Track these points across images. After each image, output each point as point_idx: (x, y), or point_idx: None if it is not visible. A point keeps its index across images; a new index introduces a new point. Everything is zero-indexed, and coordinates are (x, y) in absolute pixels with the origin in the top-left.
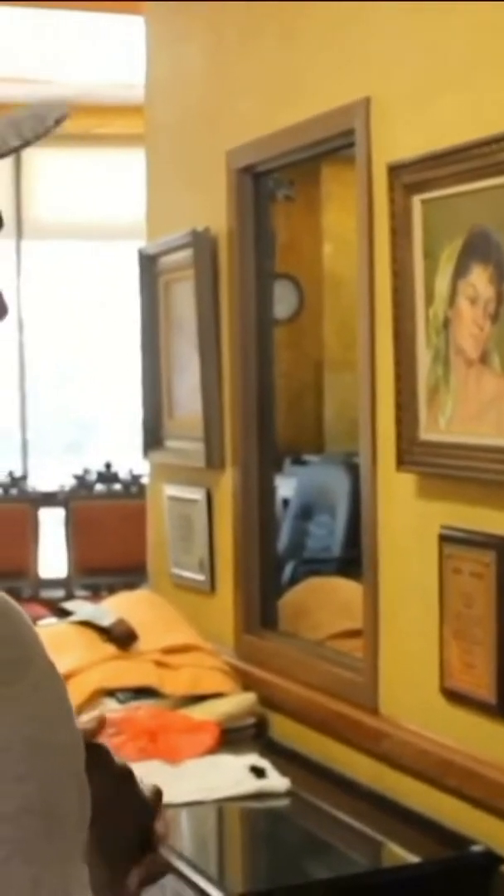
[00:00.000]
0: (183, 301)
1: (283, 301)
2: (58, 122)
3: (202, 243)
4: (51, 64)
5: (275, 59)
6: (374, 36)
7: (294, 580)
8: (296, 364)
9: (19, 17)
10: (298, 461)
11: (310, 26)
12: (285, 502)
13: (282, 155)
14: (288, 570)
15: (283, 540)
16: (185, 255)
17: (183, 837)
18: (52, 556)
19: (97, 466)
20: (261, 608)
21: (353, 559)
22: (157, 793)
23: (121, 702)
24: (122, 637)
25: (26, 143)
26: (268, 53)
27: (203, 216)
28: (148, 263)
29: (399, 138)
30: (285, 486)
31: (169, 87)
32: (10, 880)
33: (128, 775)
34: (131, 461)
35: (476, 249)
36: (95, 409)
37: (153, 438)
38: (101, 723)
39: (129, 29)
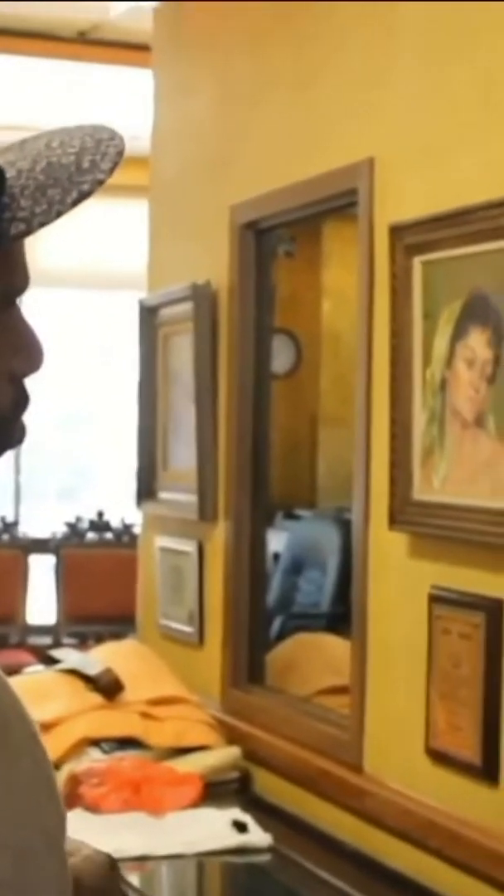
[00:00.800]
0: (181, 353)
1: (281, 356)
2: (119, 153)
3: (202, 297)
4: (59, 113)
5: (281, 116)
6: (380, 96)
7: (282, 635)
8: (291, 418)
9: (30, 66)
10: (290, 515)
11: (317, 84)
12: (276, 556)
13: (285, 212)
14: (276, 624)
15: (272, 594)
16: (185, 307)
17: (163, 891)
18: (41, 603)
19: (89, 514)
20: (248, 662)
21: (342, 615)
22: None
23: (105, 752)
24: (108, 687)
25: (99, 183)
26: (275, 110)
27: (204, 270)
28: (147, 315)
29: (402, 199)
30: (276, 540)
31: (175, 140)
32: None
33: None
34: (124, 510)
35: (475, 312)
36: (90, 457)
37: (147, 489)
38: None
39: (137, 80)
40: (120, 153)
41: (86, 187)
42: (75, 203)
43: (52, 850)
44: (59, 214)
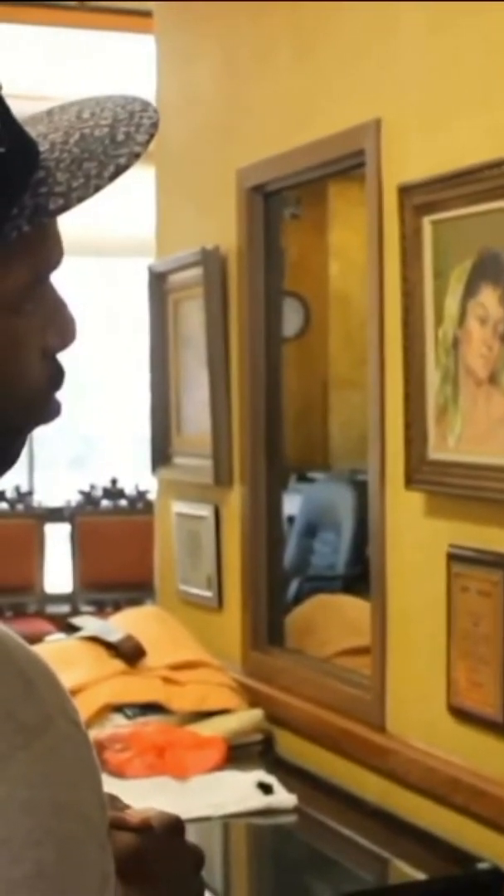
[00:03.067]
0: (192, 318)
1: (289, 319)
2: (154, 125)
3: (212, 261)
4: (60, 81)
5: (286, 79)
6: (385, 57)
7: (299, 597)
8: (301, 381)
9: (29, 34)
10: (303, 478)
11: (322, 46)
12: (290, 519)
13: (292, 175)
14: (293, 587)
15: (287, 557)
16: (195, 273)
17: None
18: (58, 572)
19: (102, 482)
20: (268, 625)
21: (358, 576)
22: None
23: (128, 717)
24: (129, 653)
25: (136, 156)
26: (279, 73)
27: (212, 234)
28: (157, 281)
29: (409, 159)
30: (290, 504)
31: (179, 106)
32: None
33: None
34: (137, 477)
35: (486, 270)
36: (100, 425)
37: (161, 455)
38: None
39: (140, 47)
40: (155, 125)
41: (122, 161)
42: (113, 177)
43: (94, 837)
44: (97, 189)
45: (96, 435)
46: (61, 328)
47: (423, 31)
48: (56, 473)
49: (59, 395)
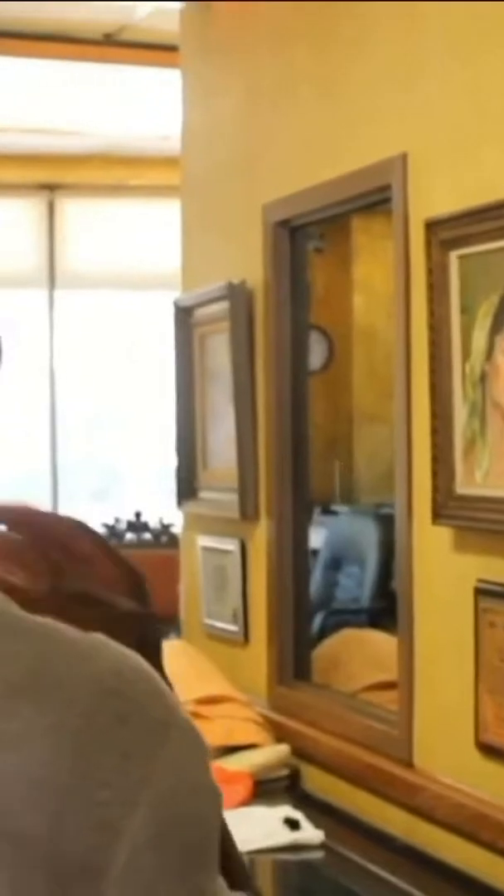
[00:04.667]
0: (218, 352)
1: (313, 352)
2: None
3: (238, 296)
4: (88, 115)
5: (312, 113)
6: (411, 91)
7: (323, 631)
8: (325, 415)
9: (58, 69)
10: (327, 511)
11: (347, 81)
12: (314, 553)
13: (318, 209)
14: (317, 621)
15: (311, 591)
16: (221, 307)
17: None
18: None
19: (126, 515)
20: (294, 659)
21: (383, 610)
22: None
23: None
24: None
25: None
26: (305, 107)
27: (238, 268)
28: (183, 315)
29: (436, 194)
30: (314, 537)
31: (205, 139)
32: None
33: None
34: (160, 510)
35: None
36: (123, 459)
37: (187, 489)
38: None
39: (166, 81)
40: None
41: None
42: None
43: (213, 834)
44: None
45: (119, 468)
46: None
47: (448, 64)
48: (79, 506)
49: None
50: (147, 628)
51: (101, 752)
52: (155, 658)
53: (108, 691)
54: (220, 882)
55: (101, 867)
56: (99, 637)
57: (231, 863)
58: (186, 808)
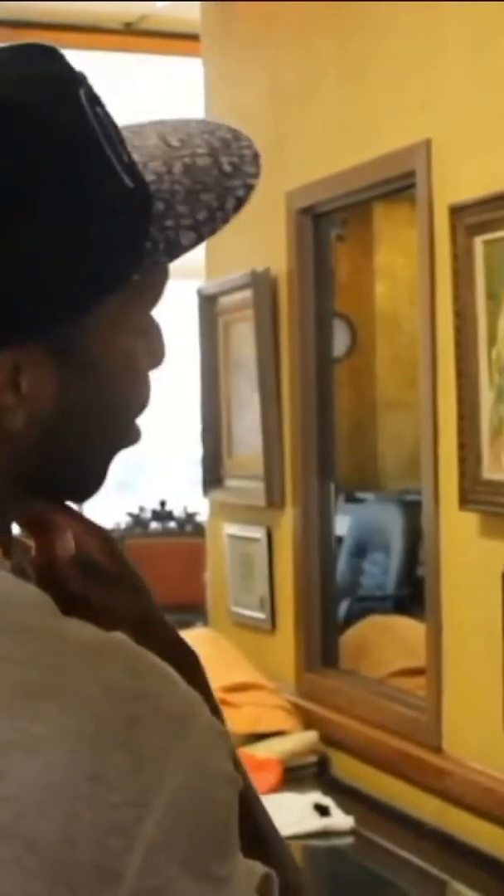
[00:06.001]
0: (242, 341)
1: (336, 339)
2: (256, 155)
3: (262, 284)
4: (109, 105)
5: (334, 101)
6: (435, 77)
7: (349, 618)
8: (348, 402)
9: (78, 58)
10: (352, 499)
11: (369, 68)
12: (339, 540)
13: (342, 196)
14: (343, 607)
15: (337, 578)
16: (245, 295)
17: None
18: None
19: (151, 504)
20: (322, 646)
21: (409, 597)
22: None
23: None
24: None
25: (251, 189)
26: (327, 95)
27: (262, 256)
28: (207, 303)
29: (460, 179)
30: (339, 524)
31: None
32: None
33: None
34: (185, 499)
35: None
36: (147, 447)
37: (213, 477)
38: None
39: (186, 70)
40: (257, 156)
41: (240, 192)
42: (235, 210)
43: (232, 818)
44: (224, 222)
45: (144, 457)
46: (157, 348)
47: (470, 50)
48: (104, 496)
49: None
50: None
51: (113, 756)
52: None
53: (121, 692)
54: (239, 863)
55: (117, 871)
56: (117, 636)
57: (261, 844)
58: (200, 802)
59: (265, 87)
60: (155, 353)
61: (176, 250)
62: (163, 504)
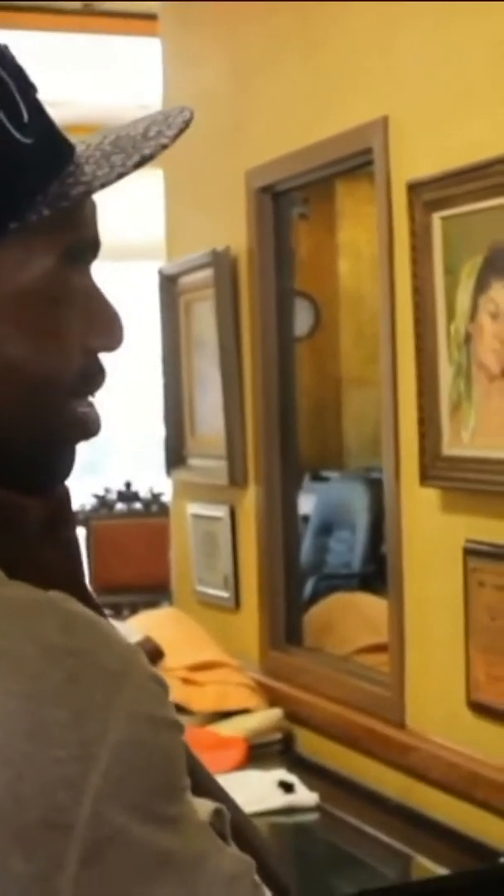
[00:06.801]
0: (203, 320)
1: (299, 318)
2: (186, 123)
3: (222, 263)
4: (67, 86)
5: (293, 79)
6: (392, 55)
7: (315, 596)
8: (313, 381)
9: (37, 39)
10: (317, 477)
11: (328, 46)
12: (304, 519)
13: (301, 174)
14: (309, 585)
15: (303, 556)
16: (206, 274)
17: None
18: None
19: (116, 485)
20: (286, 624)
21: (374, 574)
22: None
23: None
24: (148, 655)
25: (162, 147)
26: (286, 73)
27: (222, 236)
28: (168, 283)
29: (418, 156)
30: (305, 503)
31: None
32: None
33: None
34: (151, 480)
35: (497, 265)
36: (111, 429)
37: (176, 457)
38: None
39: (145, 50)
40: (187, 122)
41: (147, 151)
42: (137, 165)
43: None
44: (119, 176)
45: (109, 439)
46: (102, 326)
47: (428, 28)
48: (70, 478)
49: (98, 407)
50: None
51: (53, 712)
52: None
53: (57, 649)
54: (189, 802)
55: (68, 824)
56: (54, 595)
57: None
58: (145, 750)
59: (224, 67)
60: (98, 329)
61: (61, 201)
62: (128, 485)
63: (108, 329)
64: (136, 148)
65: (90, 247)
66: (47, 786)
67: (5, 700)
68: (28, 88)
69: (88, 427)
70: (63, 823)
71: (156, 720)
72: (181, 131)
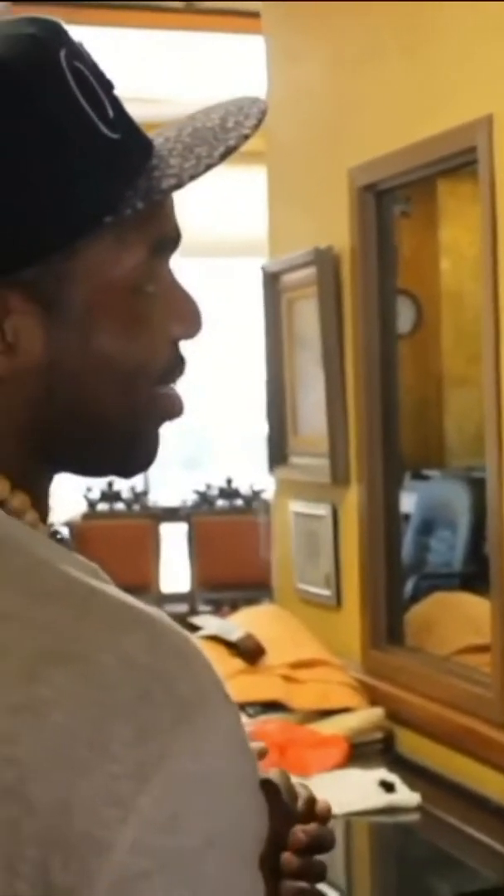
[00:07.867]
0: (306, 318)
1: (401, 316)
2: (262, 112)
3: (325, 261)
4: (173, 83)
5: (396, 76)
6: (497, 53)
7: (416, 595)
8: (414, 379)
9: (143, 38)
10: (419, 476)
11: (431, 42)
12: (405, 517)
13: (404, 173)
14: (409, 585)
15: (404, 555)
16: (308, 272)
17: None
18: (174, 571)
19: (217, 482)
20: (387, 623)
21: (475, 574)
22: (310, 801)
23: (250, 716)
24: (250, 652)
25: (245, 138)
26: (389, 71)
27: (325, 234)
28: (271, 281)
29: None
30: (406, 501)
31: (290, 105)
32: None
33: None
34: (251, 476)
35: None
36: (213, 426)
37: (278, 455)
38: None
39: (248, 47)
40: (263, 111)
41: (232, 142)
42: (223, 157)
43: (256, 803)
44: (208, 167)
45: (210, 435)
46: (184, 316)
47: None
48: (171, 473)
49: (180, 391)
50: None
51: (118, 726)
52: None
53: (137, 666)
54: (252, 868)
55: (108, 842)
56: (151, 610)
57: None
58: (205, 795)
59: (327, 62)
60: (180, 319)
61: (153, 194)
62: (229, 482)
63: (190, 318)
64: (218, 139)
65: (174, 239)
66: (97, 799)
67: (74, 705)
68: (107, 84)
69: (175, 409)
70: (105, 841)
71: (222, 773)
72: (259, 121)
